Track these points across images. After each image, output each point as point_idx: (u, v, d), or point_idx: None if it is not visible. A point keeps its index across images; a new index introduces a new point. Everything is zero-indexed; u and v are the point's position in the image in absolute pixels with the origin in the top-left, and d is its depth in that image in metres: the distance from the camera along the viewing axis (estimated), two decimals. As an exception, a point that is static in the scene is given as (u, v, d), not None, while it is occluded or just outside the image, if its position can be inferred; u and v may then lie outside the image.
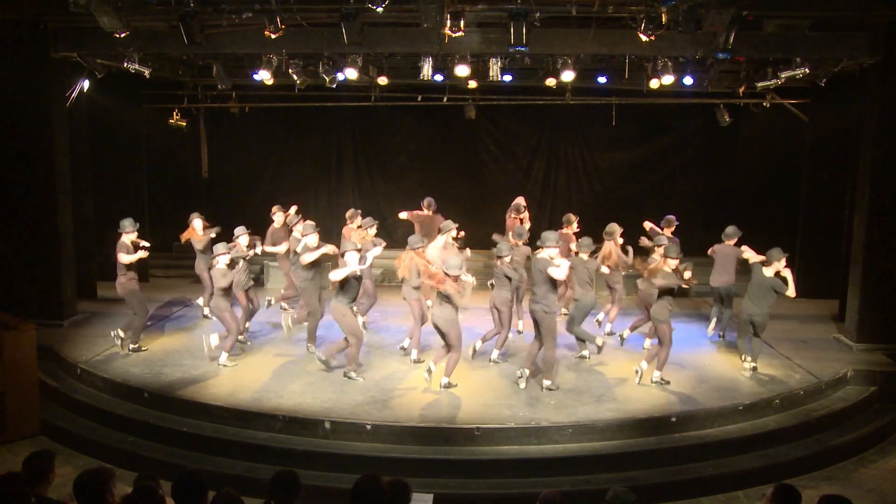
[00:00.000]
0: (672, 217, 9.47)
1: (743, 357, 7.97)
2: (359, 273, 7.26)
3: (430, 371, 7.16)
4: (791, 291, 7.50)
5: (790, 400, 7.23)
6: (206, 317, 9.74)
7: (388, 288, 11.35)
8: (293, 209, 9.95)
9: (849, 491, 5.91)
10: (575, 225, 9.74)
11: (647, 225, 9.44)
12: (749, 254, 8.26)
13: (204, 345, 8.02)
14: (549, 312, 7.08)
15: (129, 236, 8.10)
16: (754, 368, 7.83)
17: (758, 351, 7.90)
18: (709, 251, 9.00)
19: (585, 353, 8.20)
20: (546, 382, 7.21)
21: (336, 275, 7.09)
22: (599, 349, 8.04)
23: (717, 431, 6.72)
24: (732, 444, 6.56)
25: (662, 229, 9.24)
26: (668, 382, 7.39)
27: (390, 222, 12.44)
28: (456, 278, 6.86)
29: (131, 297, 8.15)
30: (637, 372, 7.45)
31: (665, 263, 7.35)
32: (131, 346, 8.22)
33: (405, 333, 8.68)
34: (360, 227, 9.36)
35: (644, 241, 9.02)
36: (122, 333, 8.25)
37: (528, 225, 9.91)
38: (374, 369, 7.81)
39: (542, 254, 7.08)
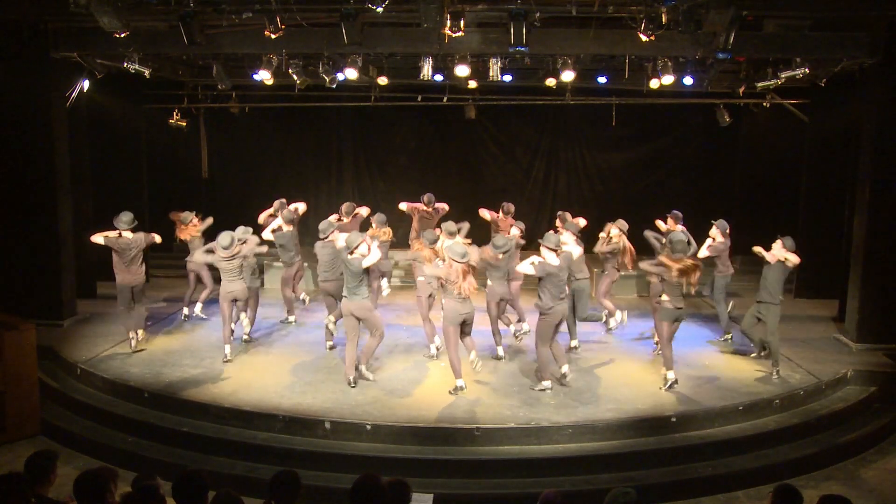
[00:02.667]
0: (678, 213, 9.43)
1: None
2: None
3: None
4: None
5: (790, 400, 7.24)
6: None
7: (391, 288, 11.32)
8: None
9: (849, 491, 5.91)
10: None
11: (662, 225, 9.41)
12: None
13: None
14: (541, 311, 7.11)
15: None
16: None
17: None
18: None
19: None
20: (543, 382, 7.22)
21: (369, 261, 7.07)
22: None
23: (717, 431, 6.72)
24: (732, 444, 6.56)
25: (667, 221, 9.26)
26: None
27: (390, 221, 12.41)
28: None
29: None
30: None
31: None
32: (140, 335, 8.25)
33: (406, 332, 8.73)
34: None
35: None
36: (140, 335, 8.27)
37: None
38: (375, 369, 7.80)
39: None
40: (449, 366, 7.11)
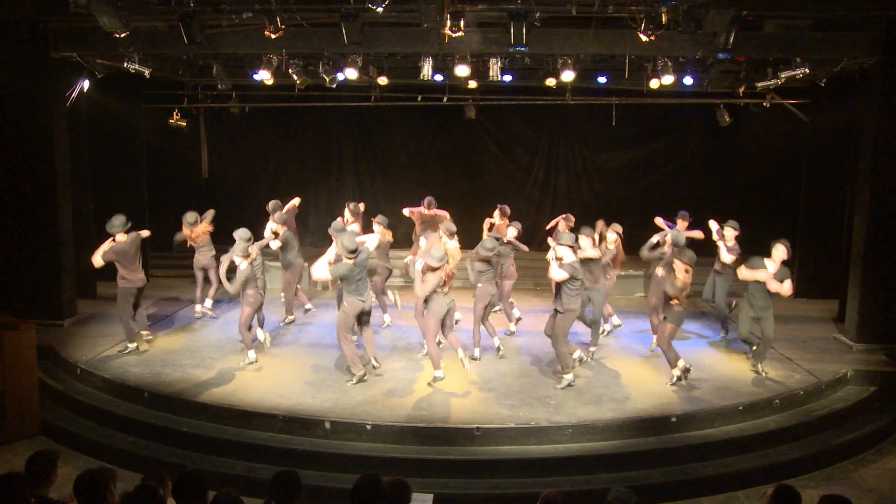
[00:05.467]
0: (685, 213, 9.41)
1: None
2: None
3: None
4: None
5: (790, 400, 7.23)
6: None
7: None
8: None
9: (849, 491, 5.91)
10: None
11: (659, 221, 9.37)
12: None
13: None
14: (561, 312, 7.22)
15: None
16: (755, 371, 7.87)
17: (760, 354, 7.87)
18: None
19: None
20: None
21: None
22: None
23: (717, 431, 6.72)
24: (732, 444, 6.56)
25: (676, 224, 9.22)
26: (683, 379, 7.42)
27: (390, 222, 12.42)
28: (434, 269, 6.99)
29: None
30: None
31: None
32: (146, 334, 8.34)
33: (406, 332, 8.75)
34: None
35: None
36: (146, 334, 8.39)
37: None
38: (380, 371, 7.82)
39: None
40: (431, 359, 7.26)
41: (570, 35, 8.46)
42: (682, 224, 9.21)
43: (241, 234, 7.89)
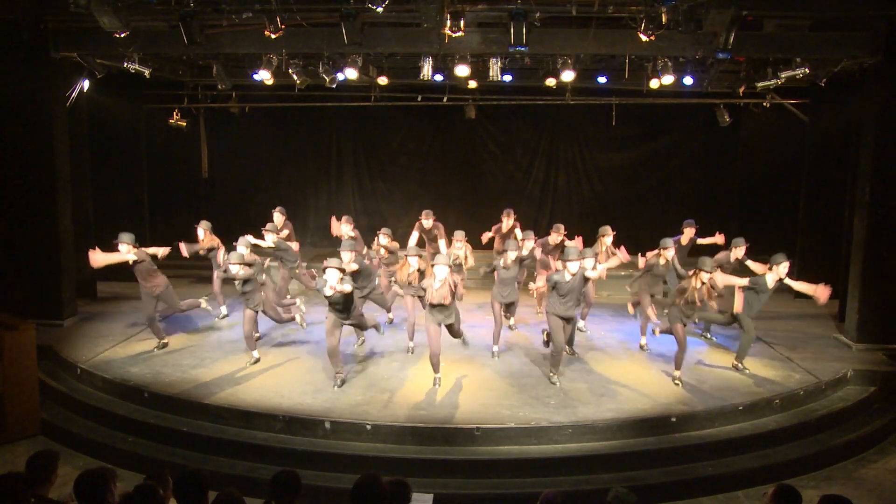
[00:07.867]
0: (691, 221, 9.33)
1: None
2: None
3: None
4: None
5: (790, 400, 7.24)
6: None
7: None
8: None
9: (849, 491, 5.92)
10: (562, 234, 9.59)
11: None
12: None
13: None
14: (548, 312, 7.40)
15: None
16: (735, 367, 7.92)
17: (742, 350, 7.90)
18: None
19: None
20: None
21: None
22: None
23: (717, 431, 6.72)
24: (732, 444, 6.56)
25: (682, 231, 9.14)
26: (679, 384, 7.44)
27: (390, 223, 12.45)
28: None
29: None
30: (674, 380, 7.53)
31: (697, 278, 7.23)
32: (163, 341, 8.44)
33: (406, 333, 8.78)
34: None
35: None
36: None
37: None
38: (375, 369, 7.82)
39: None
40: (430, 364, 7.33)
41: (570, 35, 8.46)
42: (689, 232, 9.12)
43: (244, 241, 8.19)
